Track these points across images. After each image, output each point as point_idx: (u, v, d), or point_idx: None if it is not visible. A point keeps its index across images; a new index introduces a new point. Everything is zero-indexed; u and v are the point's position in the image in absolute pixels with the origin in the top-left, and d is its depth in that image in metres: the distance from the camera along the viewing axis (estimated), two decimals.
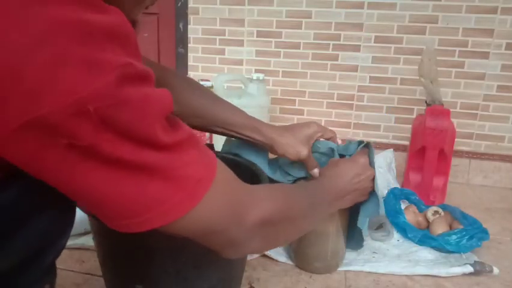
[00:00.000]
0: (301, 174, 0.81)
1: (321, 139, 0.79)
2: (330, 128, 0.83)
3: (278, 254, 0.88)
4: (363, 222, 0.80)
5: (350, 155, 0.79)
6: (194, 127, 0.73)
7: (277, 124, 1.57)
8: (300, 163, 0.78)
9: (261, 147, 0.77)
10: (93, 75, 0.29)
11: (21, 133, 0.29)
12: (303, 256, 0.85)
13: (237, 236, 0.44)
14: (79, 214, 0.60)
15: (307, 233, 0.81)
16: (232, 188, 0.43)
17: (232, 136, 0.76)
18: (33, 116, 0.28)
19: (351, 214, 0.83)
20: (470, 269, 0.83)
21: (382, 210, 0.87)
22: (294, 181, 0.83)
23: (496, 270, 0.84)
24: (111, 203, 0.35)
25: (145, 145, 0.33)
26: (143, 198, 0.35)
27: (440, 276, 0.83)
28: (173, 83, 0.71)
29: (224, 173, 0.42)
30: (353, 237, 0.87)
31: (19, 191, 0.35)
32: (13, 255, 0.37)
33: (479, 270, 0.84)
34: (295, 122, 1.55)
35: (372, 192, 0.76)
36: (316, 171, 0.77)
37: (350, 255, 0.90)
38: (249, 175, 0.80)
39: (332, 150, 0.79)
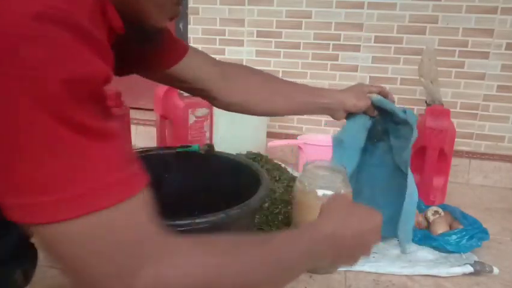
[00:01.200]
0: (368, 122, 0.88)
1: (374, 95, 0.85)
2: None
3: None
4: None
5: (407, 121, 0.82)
6: (275, 113, 0.83)
7: (277, 123, 1.57)
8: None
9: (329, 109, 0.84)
10: None
11: None
12: None
13: None
14: None
15: None
16: (143, 221, 0.34)
17: (308, 111, 0.83)
18: None
19: None
20: (470, 269, 0.83)
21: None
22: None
23: (496, 270, 0.84)
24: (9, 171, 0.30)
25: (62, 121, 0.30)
26: (37, 174, 0.30)
27: (440, 276, 0.83)
28: (249, 78, 0.79)
29: (144, 196, 0.34)
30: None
31: None
32: None
33: (479, 270, 0.84)
34: (295, 122, 1.56)
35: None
36: (376, 112, 0.86)
37: None
38: (249, 176, 0.80)
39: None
